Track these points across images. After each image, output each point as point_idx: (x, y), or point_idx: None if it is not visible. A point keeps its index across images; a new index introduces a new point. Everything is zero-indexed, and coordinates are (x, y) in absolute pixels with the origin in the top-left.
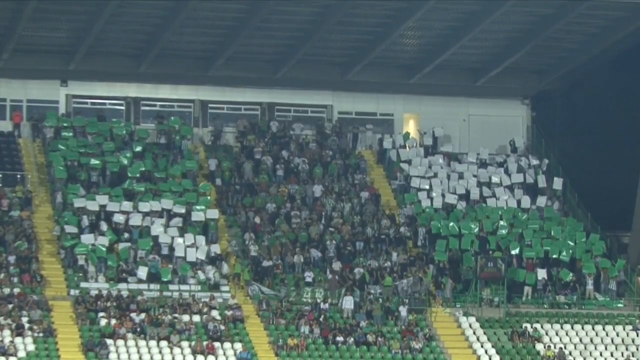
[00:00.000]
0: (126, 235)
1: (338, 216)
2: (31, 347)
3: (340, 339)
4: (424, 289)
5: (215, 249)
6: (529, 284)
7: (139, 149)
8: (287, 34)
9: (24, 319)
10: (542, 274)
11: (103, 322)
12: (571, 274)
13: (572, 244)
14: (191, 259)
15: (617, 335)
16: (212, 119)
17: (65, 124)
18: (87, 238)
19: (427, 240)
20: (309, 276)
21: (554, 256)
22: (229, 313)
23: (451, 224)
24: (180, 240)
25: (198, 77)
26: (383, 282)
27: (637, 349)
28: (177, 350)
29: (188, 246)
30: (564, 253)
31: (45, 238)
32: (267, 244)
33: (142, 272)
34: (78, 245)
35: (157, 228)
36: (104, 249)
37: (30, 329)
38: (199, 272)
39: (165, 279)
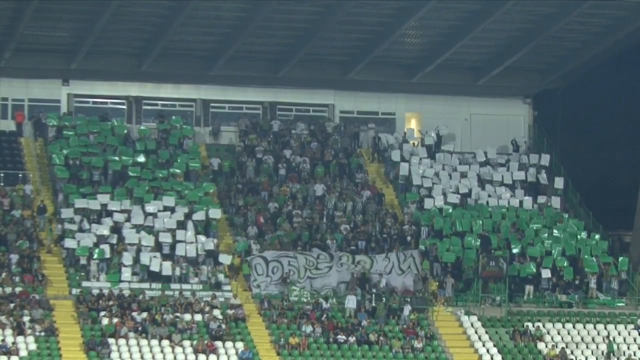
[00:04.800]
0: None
1: (340, 215)
2: (33, 347)
3: (342, 338)
4: (422, 281)
5: (211, 246)
6: (531, 274)
7: (140, 148)
8: (288, 33)
9: (26, 318)
10: (546, 273)
11: (105, 321)
12: (573, 273)
13: (573, 243)
14: (191, 256)
15: (619, 334)
16: (211, 117)
17: (66, 123)
18: (88, 237)
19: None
20: None
21: (556, 256)
22: (230, 312)
23: (454, 222)
24: (180, 237)
25: (200, 76)
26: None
27: (639, 348)
28: (178, 349)
29: (188, 244)
30: (566, 252)
31: (47, 237)
32: (269, 242)
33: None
34: (79, 246)
35: (158, 227)
36: (104, 248)
37: (32, 328)
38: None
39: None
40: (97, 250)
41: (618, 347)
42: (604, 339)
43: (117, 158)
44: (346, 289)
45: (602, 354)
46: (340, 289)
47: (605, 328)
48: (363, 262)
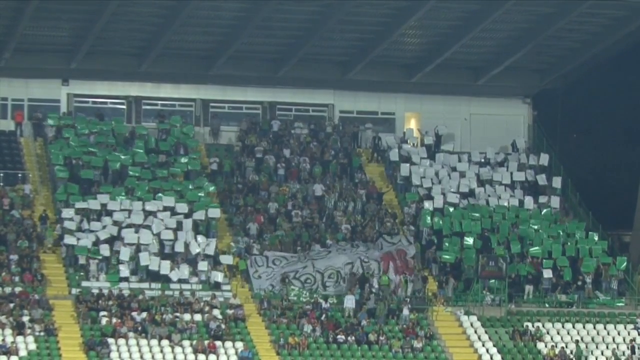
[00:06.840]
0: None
1: (339, 215)
2: (32, 346)
3: (341, 337)
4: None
5: (212, 246)
6: (530, 274)
7: (140, 147)
8: (288, 32)
9: (25, 318)
10: (547, 273)
11: (104, 321)
12: (573, 273)
13: (573, 243)
14: (191, 256)
15: (618, 334)
16: (210, 117)
17: (66, 123)
18: (87, 237)
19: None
20: None
21: (556, 255)
22: (230, 312)
23: (453, 222)
24: (180, 237)
25: (199, 76)
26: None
27: (639, 348)
28: (178, 349)
29: (188, 244)
30: (566, 252)
31: (47, 238)
32: (269, 242)
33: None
34: (78, 246)
35: (158, 226)
36: (104, 247)
37: (32, 328)
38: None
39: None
40: (93, 249)
41: (592, 353)
42: (602, 339)
43: (116, 158)
44: (349, 278)
45: (602, 353)
46: (346, 270)
47: (605, 328)
48: (363, 246)
